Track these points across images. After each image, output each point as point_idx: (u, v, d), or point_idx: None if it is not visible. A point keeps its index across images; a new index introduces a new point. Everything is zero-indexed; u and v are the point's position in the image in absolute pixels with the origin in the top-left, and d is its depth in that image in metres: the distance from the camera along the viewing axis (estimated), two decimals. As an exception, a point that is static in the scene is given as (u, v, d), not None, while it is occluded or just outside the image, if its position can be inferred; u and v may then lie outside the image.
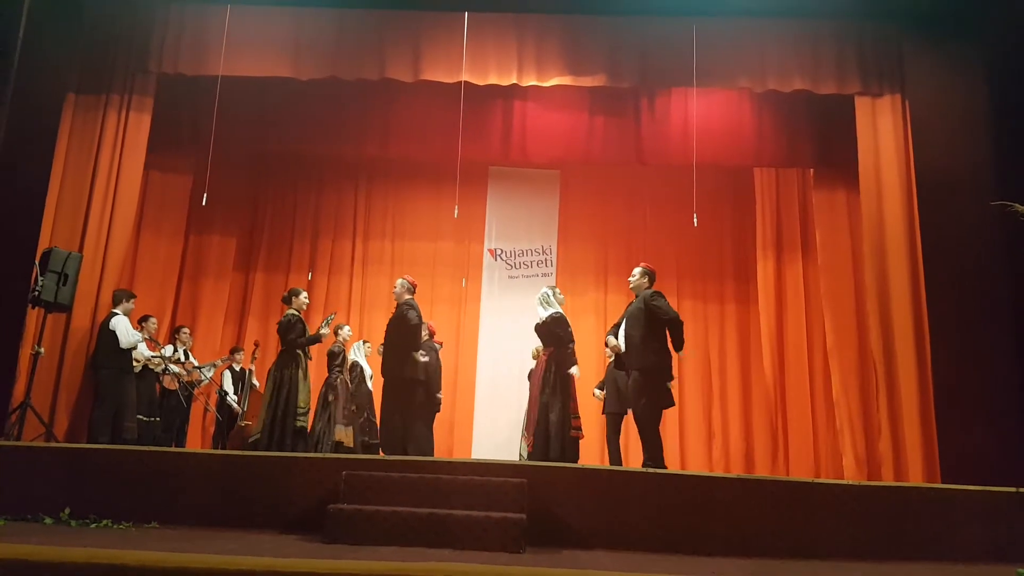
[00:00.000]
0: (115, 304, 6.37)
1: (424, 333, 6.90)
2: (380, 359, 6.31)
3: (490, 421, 8.16)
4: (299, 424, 6.10)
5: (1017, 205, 4.40)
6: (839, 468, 6.87)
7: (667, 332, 5.21)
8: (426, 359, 6.13)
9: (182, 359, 7.10)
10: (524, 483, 4.25)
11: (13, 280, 5.76)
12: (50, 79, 6.22)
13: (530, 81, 6.75)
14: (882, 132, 6.58)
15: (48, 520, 4.20)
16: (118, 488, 4.38)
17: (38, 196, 6.11)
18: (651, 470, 4.62)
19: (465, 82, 6.67)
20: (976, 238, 5.89)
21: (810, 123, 7.37)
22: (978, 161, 6.04)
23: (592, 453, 7.65)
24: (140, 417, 6.49)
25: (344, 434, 6.62)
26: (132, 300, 6.51)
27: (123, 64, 6.76)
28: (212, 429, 7.76)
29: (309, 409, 6.32)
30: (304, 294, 6.45)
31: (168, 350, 6.99)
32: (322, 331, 6.41)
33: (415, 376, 6.01)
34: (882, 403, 6.28)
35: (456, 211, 7.26)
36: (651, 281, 5.49)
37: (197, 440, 7.80)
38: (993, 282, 5.81)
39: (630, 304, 5.49)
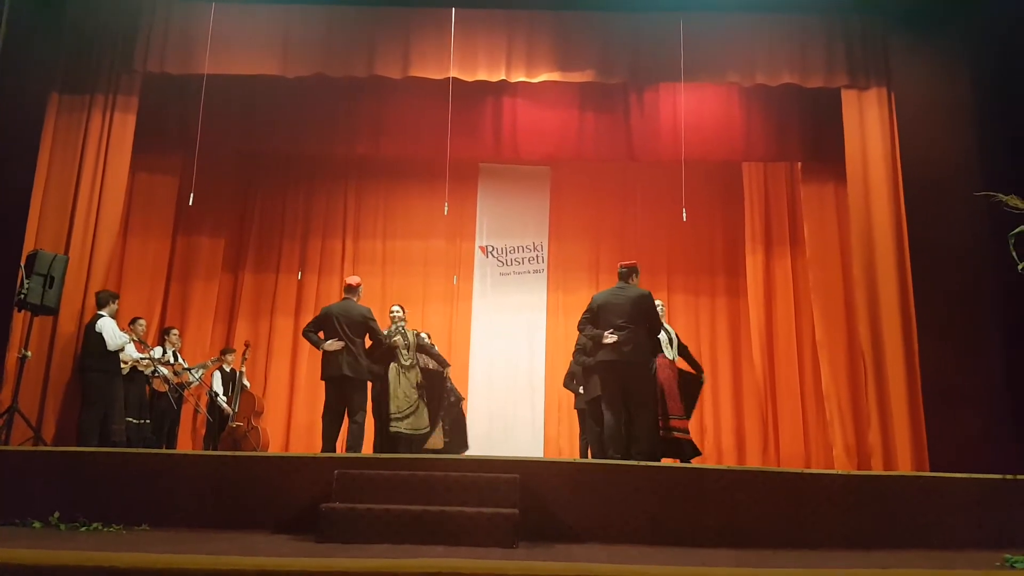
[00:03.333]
0: (100, 306, 6.32)
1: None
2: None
3: (483, 418, 8.16)
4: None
5: (1002, 195, 4.44)
6: (829, 459, 6.92)
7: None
8: (333, 348, 5.82)
9: (171, 361, 7.05)
10: (516, 478, 4.26)
11: (-1, 283, 5.72)
12: (33, 79, 6.16)
13: (519, 77, 6.75)
14: (869, 125, 6.61)
15: (37, 524, 4.17)
16: (108, 491, 4.35)
17: (23, 198, 6.05)
18: (640, 463, 4.63)
19: (454, 79, 6.66)
20: (962, 229, 5.93)
21: (798, 117, 7.40)
22: (964, 153, 6.08)
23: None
24: (130, 419, 6.43)
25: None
26: (116, 301, 6.46)
27: (107, 63, 6.69)
28: (203, 431, 7.72)
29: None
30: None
31: (157, 352, 6.94)
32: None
33: (330, 374, 5.85)
34: (871, 394, 6.33)
35: (447, 209, 7.24)
36: (620, 277, 5.65)
37: (188, 442, 7.75)
38: (979, 273, 5.85)
39: None
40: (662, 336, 5.85)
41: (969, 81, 6.22)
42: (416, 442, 6.21)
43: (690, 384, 5.89)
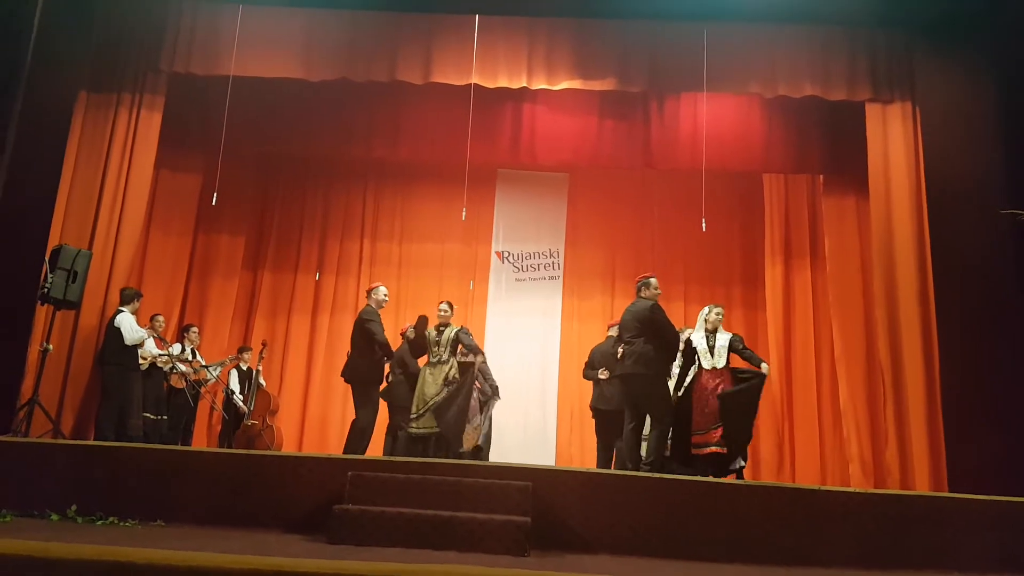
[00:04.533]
0: (124, 302, 6.40)
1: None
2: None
3: (495, 424, 8.12)
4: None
5: (1025, 214, 4.38)
6: (845, 476, 6.83)
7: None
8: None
9: (189, 358, 7.12)
10: (529, 486, 4.24)
11: (23, 277, 5.80)
12: (62, 77, 6.26)
13: (540, 84, 6.77)
14: (892, 139, 6.56)
15: (55, 517, 4.22)
16: (124, 485, 4.40)
17: (48, 193, 6.15)
18: (651, 474, 4.61)
19: (475, 85, 6.69)
20: (986, 246, 5.85)
21: (820, 129, 7.33)
22: (988, 169, 6.00)
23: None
24: (147, 415, 6.51)
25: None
26: (139, 299, 6.54)
27: (135, 63, 6.80)
28: (219, 428, 7.78)
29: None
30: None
31: (176, 348, 7.01)
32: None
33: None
34: (889, 411, 6.25)
35: (464, 213, 7.27)
36: (636, 292, 5.70)
37: (203, 439, 7.82)
38: (1002, 290, 5.76)
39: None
40: (700, 345, 5.67)
41: (994, 95, 6.14)
42: (426, 442, 5.92)
43: (749, 390, 5.54)
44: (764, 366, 5.69)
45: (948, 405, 5.85)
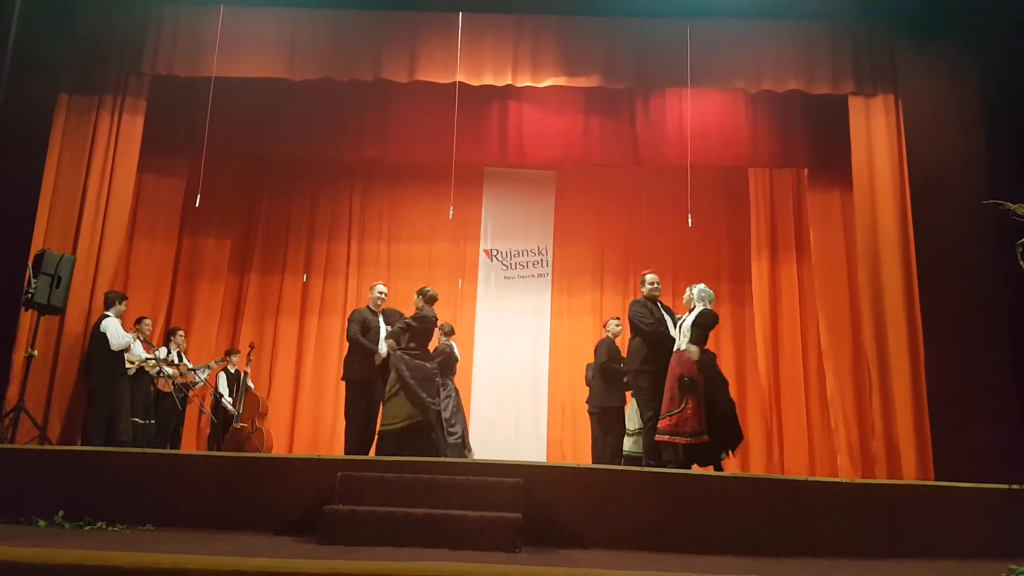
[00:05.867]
0: (107, 306, 6.35)
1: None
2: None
3: (486, 422, 8.14)
4: None
5: (1009, 204, 4.42)
6: (834, 466, 6.88)
7: None
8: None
9: (176, 361, 7.07)
10: (519, 483, 4.25)
11: (6, 282, 5.75)
12: (42, 80, 6.20)
13: (525, 82, 6.77)
14: (875, 132, 6.61)
15: (42, 523, 4.19)
16: (112, 490, 4.37)
17: (31, 198, 6.09)
18: (641, 468, 4.63)
19: (460, 83, 6.68)
20: (969, 237, 5.91)
21: (804, 124, 7.38)
22: (971, 160, 6.07)
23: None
24: (135, 420, 6.45)
25: None
26: (124, 302, 6.49)
27: (116, 65, 6.74)
28: (207, 431, 7.73)
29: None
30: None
31: (162, 352, 6.96)
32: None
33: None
34: (876, 402, 6.31)
35: (451, 212, 7.26)
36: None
37: (192, 442, 7.77)
38: (986, 281, 5.83)
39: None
40: (674, 331, 5.38)
41: (976, 87, 6.20)
42: (394, 437, 5.46)
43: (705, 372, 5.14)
44: (692, 348, 5.16)
45: (933, 394, 5.91)
